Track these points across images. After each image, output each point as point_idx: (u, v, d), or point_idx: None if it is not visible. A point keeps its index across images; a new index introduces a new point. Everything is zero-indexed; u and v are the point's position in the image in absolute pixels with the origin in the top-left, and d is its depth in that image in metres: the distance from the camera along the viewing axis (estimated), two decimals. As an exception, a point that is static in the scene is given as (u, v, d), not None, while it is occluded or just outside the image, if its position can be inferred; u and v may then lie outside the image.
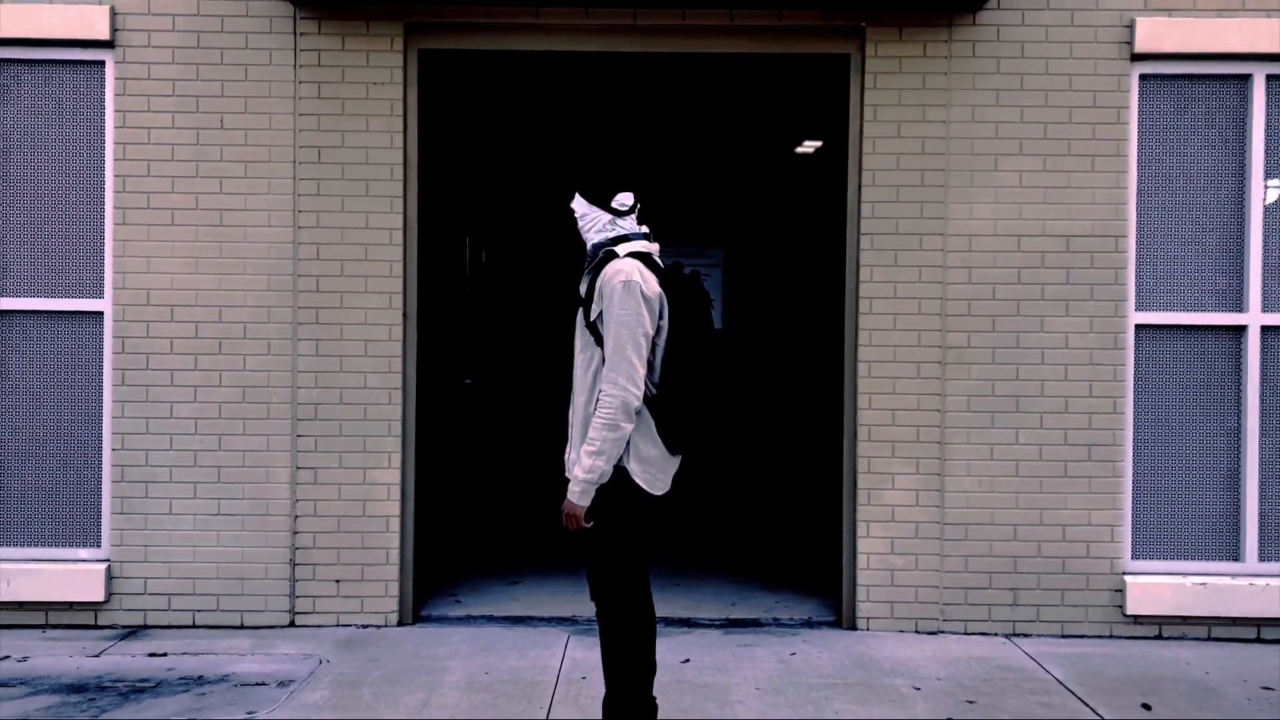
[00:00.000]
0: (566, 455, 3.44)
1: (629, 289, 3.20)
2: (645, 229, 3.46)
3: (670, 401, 3.24)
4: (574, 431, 3.37)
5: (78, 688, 4.28)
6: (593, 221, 3.43)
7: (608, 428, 3.16)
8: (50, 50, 5.14)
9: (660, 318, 3.28)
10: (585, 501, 3.23)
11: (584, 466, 3.20)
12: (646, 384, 3.23)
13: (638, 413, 3.19)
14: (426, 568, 5.61)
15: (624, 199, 3.40)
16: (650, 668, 3.38)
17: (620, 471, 3.24)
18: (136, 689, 4.27)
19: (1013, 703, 4.20)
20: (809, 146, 8.89)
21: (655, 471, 3.28)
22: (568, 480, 3.32)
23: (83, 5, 5.09)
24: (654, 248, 3.44)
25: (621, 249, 3.34)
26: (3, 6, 5.06)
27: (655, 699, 3.43)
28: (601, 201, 3.42)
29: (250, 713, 4.00)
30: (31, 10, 5.07)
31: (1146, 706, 4.17)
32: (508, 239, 9.26)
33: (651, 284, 3.27)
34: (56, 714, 3.98)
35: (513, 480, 8.77)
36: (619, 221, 3.41)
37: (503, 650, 4.81)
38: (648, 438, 3.26)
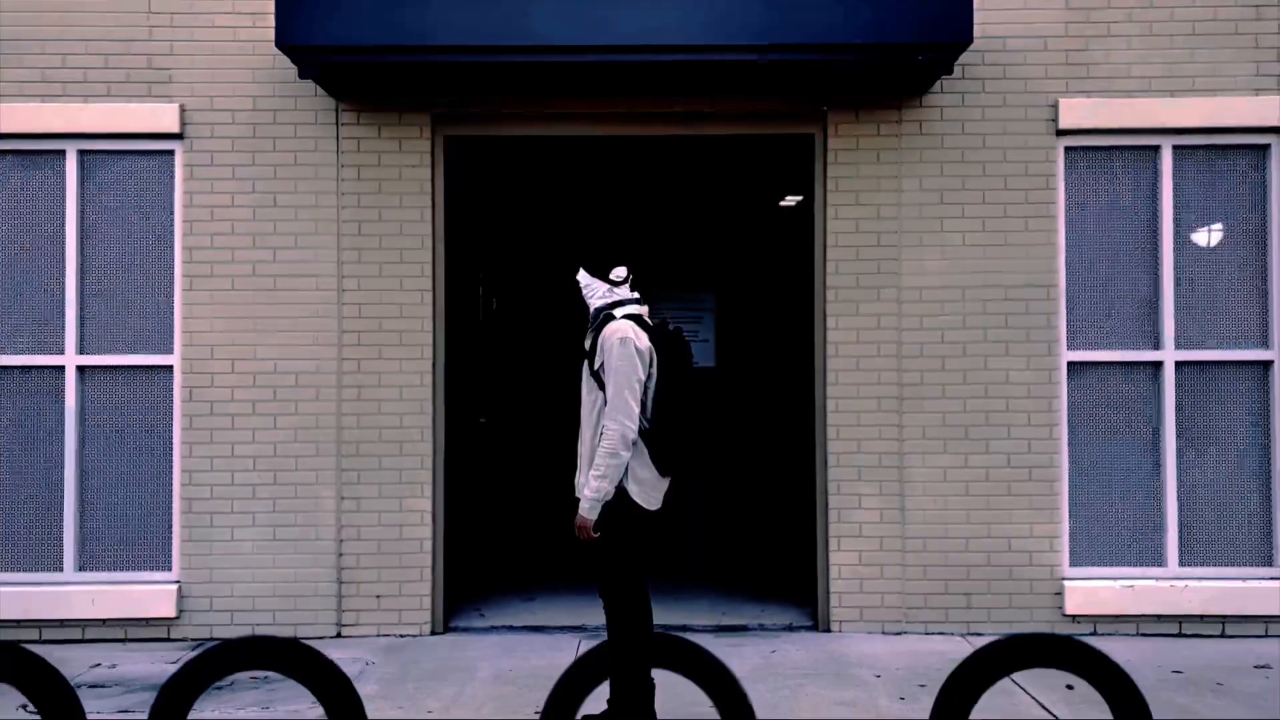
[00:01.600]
0: (577, 479, 4.23)
1: (625, 345, 4.01)
2: (636, 295, 4.28)
3: (659, 434, 4.04)
4: (582, 460, 4.16)
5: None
6: (594, 290, 4.25)
7: (610, 456, 3.96)
8: (129, 142, 5.99)
9: (650, 366, 4.08)
10: (594, 516, 4.02)
11: (592, 488, 3.99)
12: (640, 420, 4.03)
13: (634, 443, 3.99)
14: (454, 585, 6.37)
15: (618, 272, 4.22)
16: (648, 654, 4.14)
17: (621, 491, 4.04)
18: (216, 687, 5.03)
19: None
20: (791, 200, 9.73)
21: (649, 490, 4.07)
22: (578, 500, 4.11)
23: (156, 103, 5.95)
24: (644, 310, 4.26)
25: (618, 312, 4.16)
26: (91, 105, 5.91)
27: (653, 680, 4.20)
28: (600, 273, 4.24)
29: (314, 704, 4.76)
30: (115, 109, 5.92)
31: (1070, 686, 4.93)
32: (515, 290, 10.07)
33: (643, 340, 4.08)
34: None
35: (521, 509, 9.53)
36: (615, 290, 4.22)
37: (523, 653, 5.57)
38: (642, 463, 4.05)
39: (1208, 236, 6.04)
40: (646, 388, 4.07)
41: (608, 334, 4.07)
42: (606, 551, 4.10)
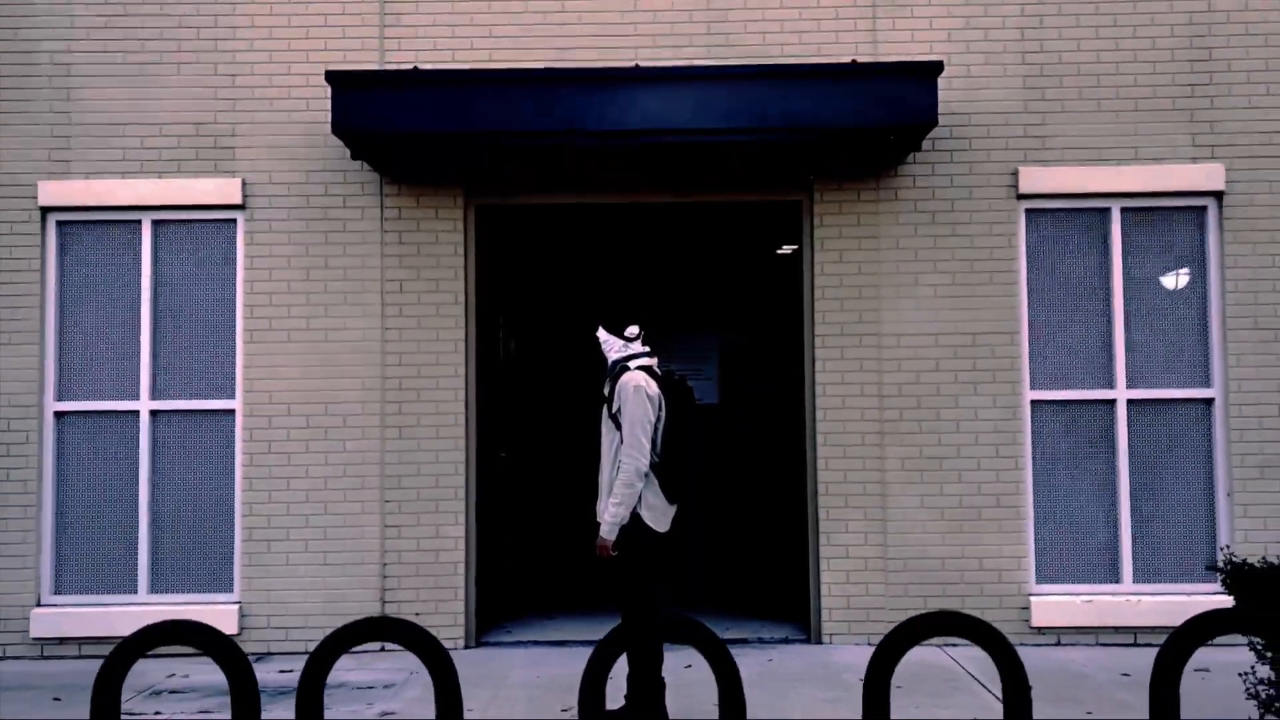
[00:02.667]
0: (597, 506, 4.95)
1: (638, 392, 4.76)
2: (647, 349, 5.03)
3: (667, 467, 4.78)
4: (602, 489, 4.89)
5: (236, 691, 5.75)
6: (611, 345, 5.01)
7: (627, 486, 4.70)
8: (197, 212, 6.80)
9: (659, 410, 4.83)
10: (613, 537, 4.75)
11: (611, 513, 4.73)
12: (651, 455, 4.77)
13: (645, 475, 4.73)
14: (484, 605, 7.08)
15: (631, 330, 4.97)
16: (659, 657, 4.86)
17: (635, 516, 4.77)
18: (280, 691, 5.75)
19: (929, 686, 5.66)
20: (788, 249, 10.51)
21: (659, 515, 4.81)
22: (598, 524, 4.84)
23: (221, 179, 6.75)
24: (653, 361, 5.01)
25: (632, 364, 4.91)
26: (164, 181, 6.72)
27: (664, 680, 4.91)
28: (616, 331, 5.00)
29: (369, 704, 5.47)
30: (185, 183, 6.73)
31: (1029, 686, 5.61)
32: (532, 334, 10.83)
33: (653, 388, 4.83)
34: (227, 709, 5.45)
35: (538, 537, 10.23)
36: (629, 345, 4.98)
37: (548, 663, 6.28)
38: (654, 491, 4.79)
39: (1154, 287, 6.79)
40: (656, 428, 4.82)
41: (624, 382, 4.82)
42: (624, 567, 4.83)
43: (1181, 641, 2.52)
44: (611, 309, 5.12)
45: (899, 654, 2.68)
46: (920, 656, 6.27)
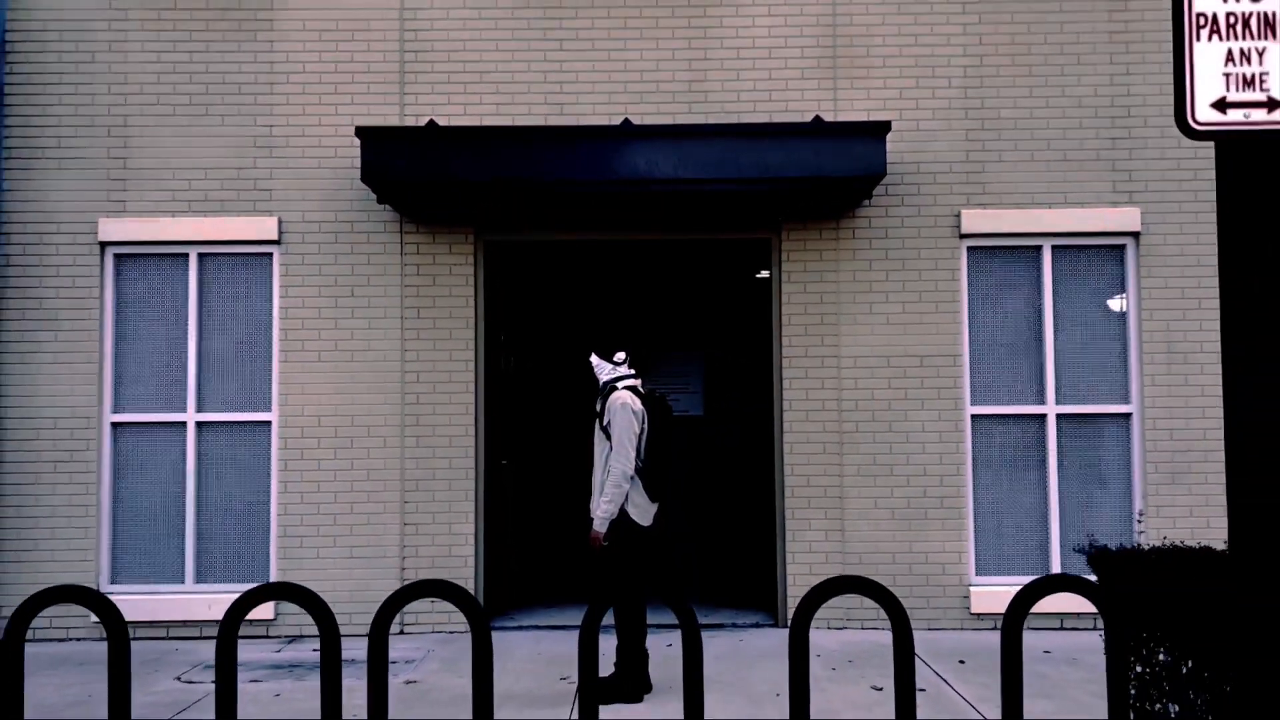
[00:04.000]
0: (590, 505, 5.86)
1: (625, 408, 5.68)
2: (633, 371, 5.93)
3: (649, 471, 5.70)
4: (595, 490, 5.80)
5: (278, 666, 6.65)
6: (602, 369, 5.92)
7: (615, 487, 5.61)
8: (238, 247, 7.70)
9: (643, 423, 5.75)
10: (603, 529, 5.66)
11: (602, 510, 5.64)
12: (636, 461, 5.69)
13: (631, 478, 5.64)
14: (490, 594, 7.98)
15: (620, 356, 5.89)
16: (643, 631, 5.76)
17: (623, 513, 5.68)
18: (315, 666, 6.64)
19: (878, 661, 6.58)
20: (764, 274, 11.45)
21: (643, 512, 5.72)
22: (591, 519, 5.75)
23: (260, 217, 7.66)
24: (638, 382, 5.92)
25: (620, 384, 5.83)
26: (209, 219, 7.63)
27: (647, 651, 5.81)
28: (607, 356, 5.91)
29: (394, 675, 6.36)
30: (228, 221, 7.64)
31: (962, 661, 6.54)
32: (530, 351, 11.73)
33: (637, 404, 5.75)
34: (274, 676, 6.36)
35: (534, 536, 11.13)
36: (618, 368, 5.90)
37: (548, 643, 7.18)
38: (638, 491, 5.70)
39: (1080, 316, 7.73)
40: (640, 438, 5.73)
41: (613, 400, 5.74)
42: (613, 555, 5.74)
43: (1023, 596, 3.43)
44: (602, 337, 6.04)
45: (817, 604, 3.57)
46: (874, 639, 7.19)
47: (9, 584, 7.45)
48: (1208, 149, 6.63)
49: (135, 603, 7.42)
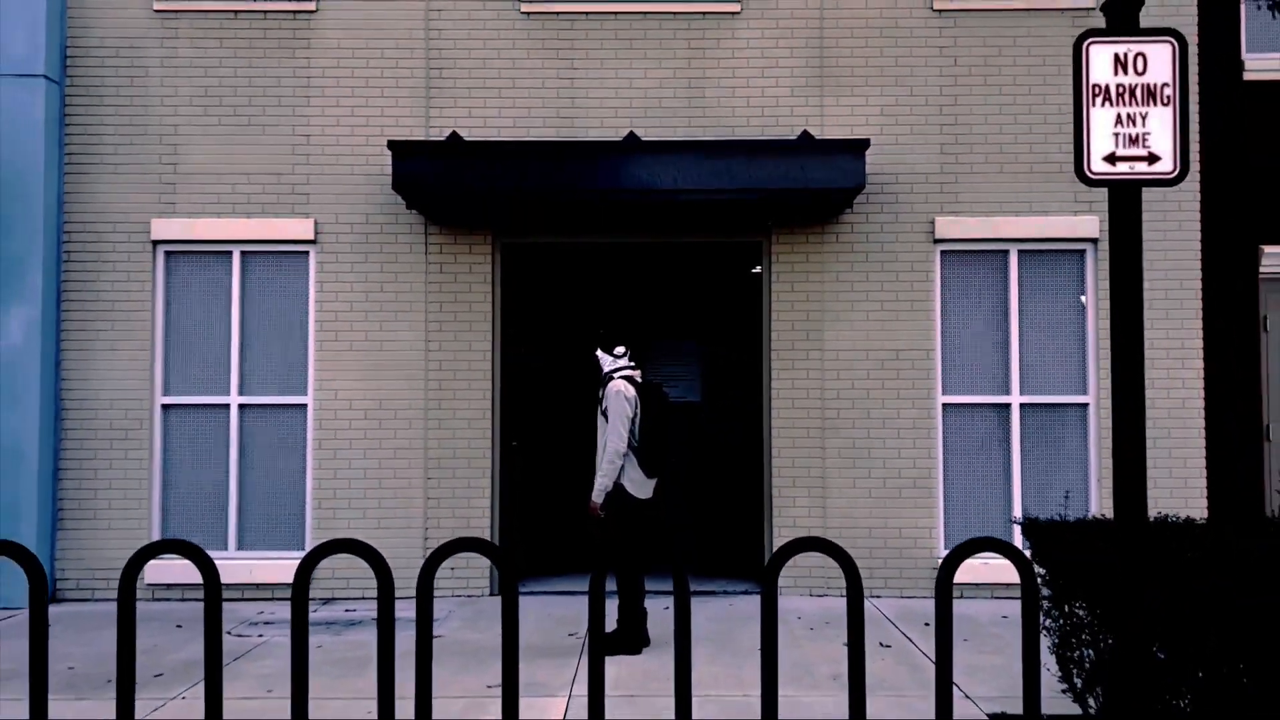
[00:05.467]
0: (594, 478, 6.64)
1: (618, 395, 6.46)
2: (631, 363, 6.69)
3: (643, 449, 6.47)
4: (597, 466, 6.59)
5: (315, 624, 7.45)
6: (604, 362, 6.70)
7: (609, 462, 6.40)
8: (278, 246, 8.47)
9: (635, 408, 6.51)
10: (600, 500, 6.45)
11: (598, 483, 6.43)
12: (630, 440, 6.45)
13: (625, 455, 6.41)
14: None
15: (619, 350, 6.66)
16: (641, 592, 6.55)
17: (619, 486, 6.46)
18: (351, 624, 7.45)
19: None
20: (757, 269, 12.20)
21: (638, 486, 6.49)
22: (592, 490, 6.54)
23: (297, 219, 8.43)
24: (635, 373, 6.67)
25: (617, 375, 6.60)
26: (251, 220, 8.40)
27: (646, 609, 6.60)
28: (608, 350, 6.67)
29: (421, 631, 7.15)
30: (268, 223, 8.40)
31: (927, 624, 7.34)
32: (539, 340, 12.50)
33: (630, 391, 6.51)
34: (314, 632, 7.16)
35: (544, 513, 11.93)
36: (617, 361, 6.66)
37: (556, 606, 7.98)
38: (633, 466, 6.48)
39: (1043, 314, 8.50)
40: (633, 420, 6.50)
41: (609, 389, 6.53)
42: (609, 524, 6.53)
43: (953, 556, 4.20)
44: (604, 333, 6.81)
45: (785, 559, 4.33)
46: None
47: (71, 549, 8.26)
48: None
49: (183, 567, 8.22)
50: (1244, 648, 4.43)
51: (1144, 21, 7.87)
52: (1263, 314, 8.81)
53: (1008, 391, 8.47)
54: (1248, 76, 8.63)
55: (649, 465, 6.52)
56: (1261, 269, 8.74)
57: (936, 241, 8.46)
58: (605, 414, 6.50)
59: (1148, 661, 3.94)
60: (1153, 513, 7.38)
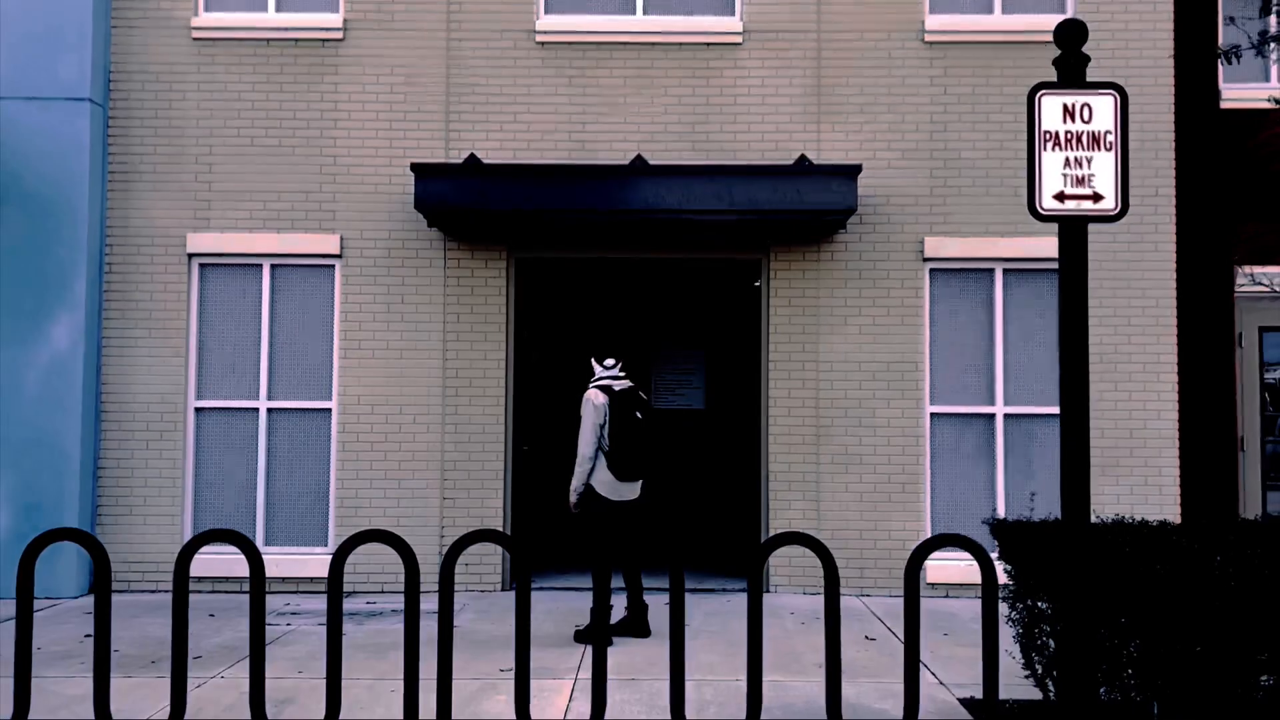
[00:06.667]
0: None
1: (587, 403, 6.99)
2: (614, 373, 7.17)
3: (614, 454, 6.95)
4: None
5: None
6: (594, 372, 7.21)
7: (579, 465, 6.95)
8: (306, 260, 9.02)
9: (604, 416, 6.98)
10: (573, 499, 6.99)
11: (572, 484, 6.98)
12: (601, 444, 6.94)
13: (596, 458, 6.92)
14: (514, 559, 9.27)
15: (609, 362, 7.18)
16: (639, 588, 7.04)
17: (590, 487, 6.98)
18: (372, 615, 7.97)
19: (843, 618, 7.84)
20: (757, 283, 12.70)
21: (609, 487, 6.98)
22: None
23: (325, 235, 8.97)
24: (615, 382, 7.15)
25: (594, 383, 7.11)
26: (281, 235, 8.94)
27: (646, 603, 7.10)
28: (599, 361, 7.18)
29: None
30: (297, 237, 8.95)
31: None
32: (551, 349, 13.02)
33: (599, 399, 7.01)
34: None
35: (551, 513, 12.45)
36: (604, 371, 7.16)
37: (562, 600, 8.47)
38: (604, 470, 6.98)
39: (1026, 329, 8.98)
40: (602, 427, 6.99)
41: (584, 397, 7.06)
42: (583, 521, 7.11)
43: (921, 549, 4.70)
44: (596, 346, 7.35)
45: (771, 550, 4.83)
46: (844, 604, 8.45)
47: (108, 543, 8.79)
48: (1134, 192, 7.85)
49: (213, 561, 8.75)
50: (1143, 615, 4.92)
51: (1103, 63, 8.42)
52: (1237, 331, 9.28)
53: (992, 402, 8.94)
54: (1224, 105, 9.15)
55: (618, 469, 6.99)
56: (1236, 288, 9.21)
57: (926, 260, 8.95)
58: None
59: (1092, 642, 4.43)
60: (1126, 515, 7.88)
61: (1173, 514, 8.70)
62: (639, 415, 7.11)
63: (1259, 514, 9.04)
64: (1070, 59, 4.49)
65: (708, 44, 9.03)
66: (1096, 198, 4.43)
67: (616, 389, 7.15)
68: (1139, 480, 8.78)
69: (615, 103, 9.02)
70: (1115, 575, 5.04)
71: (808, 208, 8.25)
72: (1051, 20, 8.85)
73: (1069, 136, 4.45)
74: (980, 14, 9.12)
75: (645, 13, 9.11)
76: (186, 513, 8.93)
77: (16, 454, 8.63)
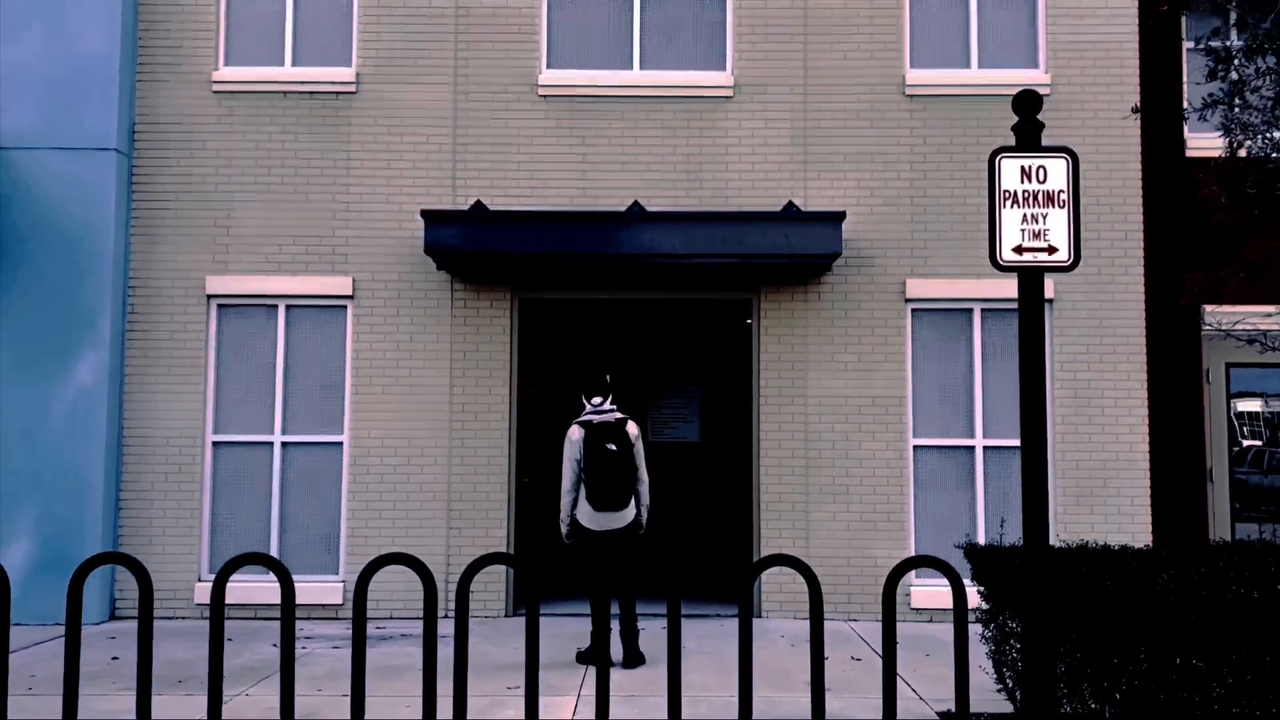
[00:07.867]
0: None
1: (567, 439, 7.42)
2: (599, 408, 7.57)
3: (590, 485, 7.32)
4: None
5: (348, 638, 8.35)
6: (583, 409, 7.64)
7: (561, 498, 7.39)
8: (319, 300, 9.49)
9: (580, 451, 7.39)
10: (564, 529, 7.42)
11: (560, 517, 7.41)
12: (580, 477, 7.37)
13: (575, 490, 7.35)
14: (518, 587, 9.68)
15: (597, 399, 7.59)
16: (633, 614, 7.45)
17: (574, 518, 7.40)
18: (383, 639, 8.36)
19: (831, 642, 8.26)
20: (749, 320, 13.19)
21: (589, 518, 7.36)
22: None
23: (337, 277, 9.44)
24: (596, 416, 7.53)
25: (576, 420, 7.53)
26: (296, 277, 9.41)
27: (639, 628, 7.51)
28: (587, 398, 7.60)
29: (444, 647, 8.05)
30: (311, 279, 9.42)
31: (897, 643, 8.20)
32: (549, 383, 13.47)
33: (575, 434, 7.40)
34: (348, 644, 8.04)
35: (552, 544, 12.83)
36: (592, 408, 7.56)
37: (564, 626, 8.87)
38: (583, 501, 7.39)
39: (1004, 365, 9.46)
40: (579, 461, 7.40)
41: (566, 433, 7.51)
42: (574, 551, 7.54)
43: (896, 570, 5.13)
44: (584, 383, 7.75)
45: (759, 572, 5.27)
46: (831, 627, 8.88)
47: (128, 574, 9.17)
48: (1105, 237, 8.38)
49: (230, 589, 9.12)
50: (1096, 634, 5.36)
51: (1074, 115, 8.98)
52: (1205, 366, 9.77)
53: (972, 435, 9.41)
54: (1190, 154, 9.70)
55: (593, 499, 7.37)
56: (1203, 326, 9.71)
57: (907, 301, 9.44)
58: None
59: (1051, 654, 4.86)
60: (1100, 541, 8.33)
61: (1145, 541, 9.15)
62: (611, 447, 7.46)
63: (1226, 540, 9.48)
64: (1026, 125, 5.00)
65: (700, 97, 9.58)
66: (1051, 250, 4.92)
67: (595, 422, 7.52)
68: (1113, 509, 9.23)
69: (614, 152, 9.54)
70: (1071, 592, 5.47)
71: (796, 252, 8.74)
72: (1025, 75, 9.43)
73: (1026, 195, 4.94)
74: (958, 68, 9.68)
75: (642, 67, 9.66)
76: (204, 542, 9.33)
77: (42, 485, 9.04)
